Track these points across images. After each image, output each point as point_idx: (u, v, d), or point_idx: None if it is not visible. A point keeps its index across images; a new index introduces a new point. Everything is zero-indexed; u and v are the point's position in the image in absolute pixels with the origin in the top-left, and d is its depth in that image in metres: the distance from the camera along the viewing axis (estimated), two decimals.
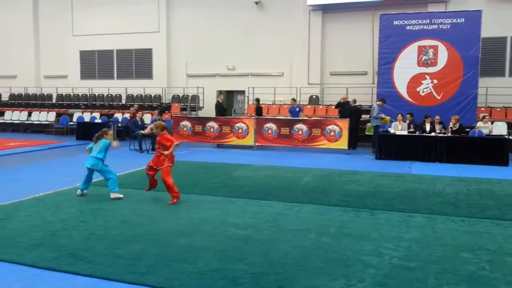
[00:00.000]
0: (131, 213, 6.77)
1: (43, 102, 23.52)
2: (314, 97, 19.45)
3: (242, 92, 21.12)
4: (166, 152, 7.52)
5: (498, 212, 7.11)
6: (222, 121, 15.91)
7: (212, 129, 15.78)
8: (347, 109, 15.67)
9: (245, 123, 15.55)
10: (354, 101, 15.96)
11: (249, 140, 15.43)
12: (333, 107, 18.20)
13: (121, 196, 7.67)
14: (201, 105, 21.19)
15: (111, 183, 7.71)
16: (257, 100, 17.90)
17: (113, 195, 7.64)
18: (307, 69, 19.75)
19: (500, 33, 17.08)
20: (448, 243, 5.54)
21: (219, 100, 17.89)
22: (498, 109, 16.54)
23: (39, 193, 8.03)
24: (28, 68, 24.38)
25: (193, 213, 6.86)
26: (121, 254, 5.02)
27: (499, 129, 14.88)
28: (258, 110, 17.50)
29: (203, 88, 21.07)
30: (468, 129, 14.21)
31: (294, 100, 17.28)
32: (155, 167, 7.67)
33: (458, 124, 13.50)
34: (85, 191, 7.91)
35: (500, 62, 17.39)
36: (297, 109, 16.87)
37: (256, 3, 20.28)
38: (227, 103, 22.92)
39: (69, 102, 23.03)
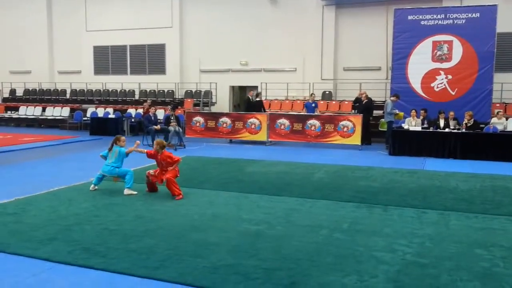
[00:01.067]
0: (144, 208, 6.82)
1: (57, 97, 23.76)
2: (327, 92, 19.38)
3: (255, 87, 21.10)
4: (170, 168, 7.60)
5: None
6: (235, 117, 15.91)
7: (225, 125, 15.79)
8: (360, 105, 15.63)
9: (258, 119, 15.53)
10: (366, 96, 15.81)
11: (262, 136, 15.42)
12: (346, 102, 18.17)
13: (135, 192, 7.72)
14: (214, 100, 21.22)
15: (128, 179, 7.78)
16: (257, 94, 17.57)
17: (127, 191, 7.70)
18: (320, 64, 19.66)
19: None
20: (461, 239, 5.50)
21: (249, 96, 17.31)
22: None
23: (53, 188, 8.11)
24: (42, 63, 24.63)
25: (206, 208, 6.88)
26: (135, 249, 5.05)
27: None
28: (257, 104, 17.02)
29: (216, 83, 21.10)
30: (483, 125, 14.05)
31: (312, 95, 17.20)
32: (160, 180, 7.70)
33: (472, 120, 13.35)
34: (96, 186, 8.00)
35: None
36: (313, 104, 16.81)
37: None
38: (239, 99, 22.96)
39: (83, 98, 23.24)
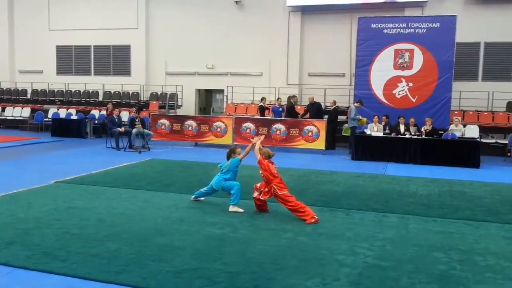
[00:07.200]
0: (107, 212, 6.71)
1: (18, 97, 23.02)
2: None
3: (221, 91, 21.10)
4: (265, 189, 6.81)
5: (469, 213, 7.29)
6: (200, 120, 15.87)
7: (190, 128, 15.72)
8: (312, 110, 15.96)
9: (223, 122, 15.53)
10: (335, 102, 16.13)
11: (227, 139, 15.41)
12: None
13: (241, 210, 6.99)
14: (179, 103, 21.09)
15: (233, 196, 7.13)
16: (261, 99, 17.50)
17: (232, 208, 7.08)
18: (286, 69, 19.85)
19: (474, 38, 17.50)
20: (420, 243, 5.66)
21: (292, 101, 16.44)
22: (470, 113, 16.89)
23: (11, 190, 7.87)
24: (2, 62, 23.84)
25: (170, 212, 6.84)
26: (96, 253, 4.97)
27: (472, 132, 15.18)
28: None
29: (182, 86, 20.97)
30: (442, 132, 14.48)
31: (279, 99, 17.33)
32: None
33: (431, 126, 13.75)
34: (202, 198, 7.59)
35: (473, 66, 17.79)
36: (280, 109, 16.89)
37: (236, 2, 20.26)
38: (205, 103, 22.90)
39: (45, 98, 22.62)
